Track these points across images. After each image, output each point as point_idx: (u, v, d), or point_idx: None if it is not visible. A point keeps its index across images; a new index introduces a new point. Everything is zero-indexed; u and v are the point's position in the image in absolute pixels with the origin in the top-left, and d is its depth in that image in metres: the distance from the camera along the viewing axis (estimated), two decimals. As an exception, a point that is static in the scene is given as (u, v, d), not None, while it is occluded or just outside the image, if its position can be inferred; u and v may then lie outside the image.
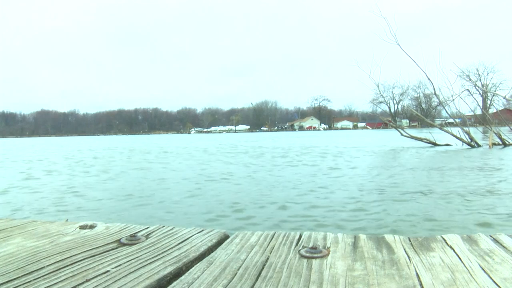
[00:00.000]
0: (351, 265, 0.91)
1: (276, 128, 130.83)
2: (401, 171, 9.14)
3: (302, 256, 0.97)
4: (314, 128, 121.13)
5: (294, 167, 10.85)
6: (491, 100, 33.01)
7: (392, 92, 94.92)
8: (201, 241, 1.11)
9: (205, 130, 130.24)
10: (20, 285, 0.81)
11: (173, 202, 6.01)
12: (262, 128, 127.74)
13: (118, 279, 0.83)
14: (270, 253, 1.00)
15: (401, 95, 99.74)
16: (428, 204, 5.30)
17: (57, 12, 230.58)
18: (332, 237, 1.13)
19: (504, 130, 19.41)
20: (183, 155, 17.82)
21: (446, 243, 1.05)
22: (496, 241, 1.05)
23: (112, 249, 1.05)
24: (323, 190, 6.64)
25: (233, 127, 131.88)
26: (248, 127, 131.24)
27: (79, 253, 1.01)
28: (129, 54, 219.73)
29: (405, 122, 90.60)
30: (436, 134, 20.10)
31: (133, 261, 0.95)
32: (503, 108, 29.58)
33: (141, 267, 0.91)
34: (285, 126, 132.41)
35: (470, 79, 27.84)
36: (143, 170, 11.35)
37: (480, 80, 57.64)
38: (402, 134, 20.67)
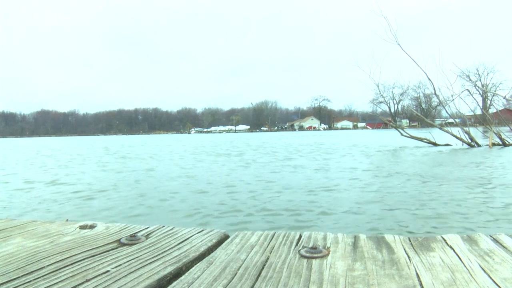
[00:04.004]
0: (351, 265, 0.90)
1: (276, 128, 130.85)
2: (401, 171, 9.15)
3: (302, 256, 0.97)
4: (314, 128, 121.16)
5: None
6: (491, 100, 33.05)
7: (392, 92, 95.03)
8: (201, 241, 1.11)
9: (205, 130, 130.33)
10: (20, 285, 0.81)
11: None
12: (262, 128, 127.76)
13: (118, 279, 0.83)
14: (270, 253, 1.00)
15: (401, 95, 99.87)
16: (428, 203, 5.30)
17: (57, 12, 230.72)
18: (332, 237, 1.13)
19: (504, 130, 19.41)
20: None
21: (446, 243, 1.05)
22: (496, 241, 1.05)
23: (112, 249, 1.05)
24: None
25: (233, 127, 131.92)
26: (248, 127, 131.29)
27: (79, 253, 1.01)
28: (129, 54, 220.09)
29: (405, 122, 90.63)
30: (436, 134, 20.11)
31: (133, 261, 0.95)
32: (503, 108, 29.57)
33: (141, 267, 0.91)
34: (285, 126, 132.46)
35: (470, 79, 27.85)
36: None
37: (480, 80, 57.74)
38: (402, 134, 20.67)
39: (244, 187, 7.30)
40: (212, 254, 1.00)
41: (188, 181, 8.36)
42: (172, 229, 1.24)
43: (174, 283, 0.83)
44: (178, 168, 11.45)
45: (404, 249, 1.01)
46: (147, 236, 1.16)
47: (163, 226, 1.27)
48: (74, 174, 10.35)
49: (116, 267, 0.91)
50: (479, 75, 60.53)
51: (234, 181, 8.18)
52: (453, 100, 19.31)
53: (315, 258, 0.96)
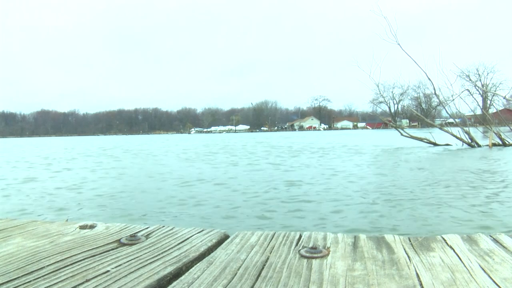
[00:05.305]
0: (351, 265, 0.90)
1: (276, 128, 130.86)
2: (402, 171, 9.16)
3: (302, 256, 0.97)
4: (314, 128, 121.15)
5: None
6: (491, 100, 33.00)
7: (392, 92, 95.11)
8: (201, 241, 1.11)
9: (205, 130, 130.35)
10: (20, 285, 0.81)
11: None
12: (262, 128, 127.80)
13: (118, 279, 0.83)
14: (270, 253, 1.00)
15: (401, 95, 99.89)
16: (428, 203, 5.30)
17: (57, 12, 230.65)
18: (332, 237, 1.13)
19: (504, 130, 19.39)
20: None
21: (446, 243, 1.05)
22: (496, 241, 1.05)
23: (112, 249, 1.05)
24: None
25: (233, 127, 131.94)
26: (248, 127, 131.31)
27: (79, 253, 1.01)
28: (129, 54, 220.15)
29: (405, 122, 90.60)
30: (436, 134, 20.10)
31: (133, 261, 0.95)
32: (503, 108, 29.54)
33: (141, 267, 0.91)
34: (285, 126, 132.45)
35: (470, 79, 27.87)
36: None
37: (480, 80, 57.73)
38: (402, 134, 20.66)
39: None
40: (212, 254, 1.00)
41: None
42: (172, 229, 1.24)
43: (174, 283, 0.82)
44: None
45: (404, 249, 1.01)
46: (147, 236, 1.16)
47: (163, 226, 1.27)
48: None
49: (116, 267, 0.91)
50: (479, 75, 60.57)
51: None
52: (453, 100, 19.31)
53: (315, 258, 0.96)
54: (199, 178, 8.72)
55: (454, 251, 0.98)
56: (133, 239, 1.12)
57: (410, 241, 1.08)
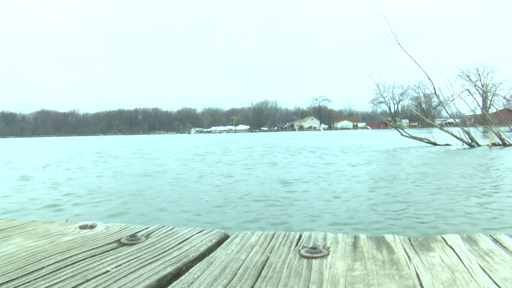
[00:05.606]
0: (351, 265, 0.90)
1: (276, 128, 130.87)
2: (402, 171, 9.15)
3: (302, 256, 0.97)
4: (314, 128, 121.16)
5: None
6: (491, 100, 33.01)
7: (392, 92, 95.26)
8: (201, 241, 1.11)
9: (205, 130, 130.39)
10: (20, 285, 0.81)
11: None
12: (262, 128, 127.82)
13: (118, 279, 0.83)
14: (270, 253, 1.00)
15: (401, 95, 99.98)
16: (427, 203, 5.30)
17: (57, 12, 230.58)
18: (332, 237, 1.13)
19: (504, 130, 19.40)
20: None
21: (446, 243, 1.05)
22: (496, 241, 1.05)
23: (112, 249, 1.05)
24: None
25: (233, 127, 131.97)
26: (248, 127, 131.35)
27: (79, 253, 1.01)
28: (129, 54, 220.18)
29: (405, 122, 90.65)
30: (436, 134, 20.11)
31: (133, 261, 0.95)
32: (503, 108, 29.55)
33: (141, 267, 0.91)
34: (285, 126, 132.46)
35: (470, 79, 27.90)
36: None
37: (480, 80, 57.78)
38: (402, 134, 20.67)
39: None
40: (212, 254, 1.00)
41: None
42: (172, 229, 1.24)
43: (174, 283, 0.82)
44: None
45: (404, 249, 1.01)
46: (147, 236, 1.16)
47: (163, 226, 1.27)
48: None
49: (116, 267, 0.91)
50: (479, 75, 60.62)
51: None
52: (453, 100, 19.36)
53: (315, 258, 0.96)
54: (197, 178, 8.74)
55: (454, 251, 0.98)
56: (133, 239, 1.12)
57: (410, 241, 1.08)
